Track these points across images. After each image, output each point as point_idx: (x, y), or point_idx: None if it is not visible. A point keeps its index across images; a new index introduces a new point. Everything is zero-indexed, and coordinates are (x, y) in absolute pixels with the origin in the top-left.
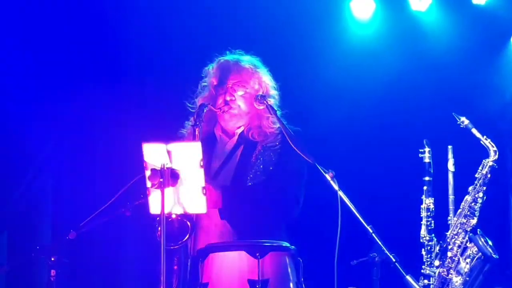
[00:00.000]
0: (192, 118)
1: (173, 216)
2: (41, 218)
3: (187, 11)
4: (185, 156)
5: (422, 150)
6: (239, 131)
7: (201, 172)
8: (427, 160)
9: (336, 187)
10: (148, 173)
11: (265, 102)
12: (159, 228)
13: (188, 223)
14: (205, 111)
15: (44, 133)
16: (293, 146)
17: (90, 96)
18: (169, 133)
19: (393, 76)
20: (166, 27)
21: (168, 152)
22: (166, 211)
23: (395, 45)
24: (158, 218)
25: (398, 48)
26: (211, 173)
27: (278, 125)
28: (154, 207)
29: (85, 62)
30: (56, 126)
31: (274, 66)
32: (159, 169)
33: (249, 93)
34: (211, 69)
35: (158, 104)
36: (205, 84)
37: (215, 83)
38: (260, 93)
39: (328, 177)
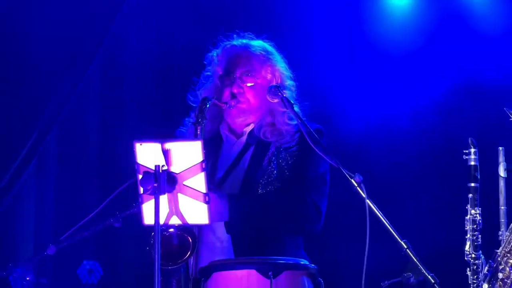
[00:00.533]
0: (193, 114)
1: (171, 230)
2: (22, 228)
3: None
4: (183, 157)
5: (466, 151)
6: (248, 129)
7: (202, 176)
8: (472, 163)
9: (363, 194)
10: (140, 177)
11: (280, 94)
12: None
13: (189, 238)
14: (208, 105)
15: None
16: (313, 146)
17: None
18: (165, 131)
19: (434, 67)
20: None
21: (164, 153)
22: (162, 222)
23: (437, 33)
24: (152, 234)
25: (439, 36)
26: (216, 179)
27: (295, 121)
28: (148, 217)
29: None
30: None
31: (294, 53)
32: (153, 172)
33: (260, 84)
34: (215, 56)
35: (152, 98)
36: (208, 73)
37: (220, 73)
38: (274, 84)
39: (354, 182)
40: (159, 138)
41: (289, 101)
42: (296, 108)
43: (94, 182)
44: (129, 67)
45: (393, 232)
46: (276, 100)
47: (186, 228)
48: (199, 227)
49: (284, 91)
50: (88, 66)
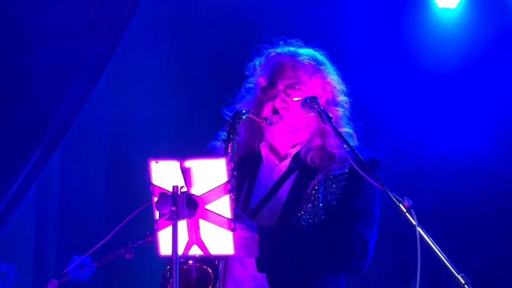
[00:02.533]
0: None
1: (190, 262)
2: (24, 257)
3: None
4: (206, 177)
5: None
6: (293, 151)
7: (227, 199)
8: None
9: (414, 221)
10: (156, 199)
11: (316, 106)
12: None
13: (210, 271)
14: (242, 120)
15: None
16: (361, 172)
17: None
18: (188, 150)
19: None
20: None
21: (184, 172)
22: (181, 252)
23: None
24: (168, 266)
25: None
26: (251, 208)
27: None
28: (164, 247)
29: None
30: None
31: (344, 62)
32: (171, 194)
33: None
34: (258, 65)
35: (187, 111)
36: (250, 85)
37: (263, 84)
38: (324, 99)
39: (403, 208)
40: (177, 155)
41: (328, 116)
42: (348, 129)
43: (101, 204)
44: (144, 76)
45: (449, 265)
46: (312, 114)
47: (207, 260)
48: (226, 260)
49: (336, 108)
50: (99, 77)
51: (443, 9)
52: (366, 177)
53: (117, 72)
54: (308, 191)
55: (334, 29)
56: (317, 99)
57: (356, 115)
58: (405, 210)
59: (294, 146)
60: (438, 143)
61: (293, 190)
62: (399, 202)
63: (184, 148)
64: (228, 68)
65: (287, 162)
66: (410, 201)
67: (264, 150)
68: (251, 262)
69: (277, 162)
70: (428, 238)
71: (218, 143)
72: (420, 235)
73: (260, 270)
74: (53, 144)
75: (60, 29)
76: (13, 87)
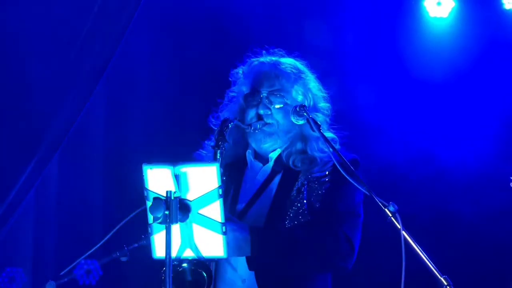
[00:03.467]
0: (213, 137)
1: (184, 265)
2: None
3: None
4: (198, 183)
5: None
6: (274, 155)
7: (218, 204)
8: None
9: (399, 225)
10: (150, 204)
11: (305, 114)
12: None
13: (204, 274)
14: (230, 127)
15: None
16: (346, 175)
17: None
18: (183, 155)
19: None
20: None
21: (177, 178)
22: (174, 255)
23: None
24: (163, 269)
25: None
26: (238, 209)
27: (330, 149)
28: (159, 250)
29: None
30: None
31: (337, 70)
32: (164, 198)
33: (290, 106)
34: (241, 73)
35: (170, 120)
36: (233, 94)
37: (246, 92)
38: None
39: (388, 212)
40: (170, 161)
41: (316, 123)
42: (329, 134)
43: (99, 209)
44: (139, 85)
45: (432, 267)
46: (301, 122)
47: (201, 263)
48: (217, 262)
49: (317, 114)
50: (96, 83)
51: (435, 18)
52: (352, 182)
53: (113, 78)
54: (292, 193)
55: (327, 38)
56: (306, 107)
57: (348, 122)
58: (390, 215)
59: (274, 150)
60: (429, 150)
61: (278, 192)
62: (385, 206)
63: (178, 153)
64: (222, 75)
65: (270, 165)
66: (396, 206)
67: (249, 156)
68: (240, 264)
69: (261, 166)
70: (413, 241)
71: (204, 152)
72: (405, 238)
73: (251, 268)
74: (51, 149)
75: (59, 36)
76: (13, 94)
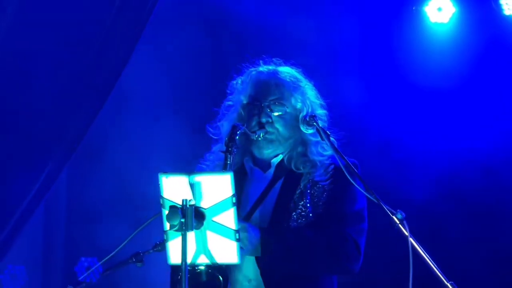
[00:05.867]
0: (219, 145)
1: (202, 267)
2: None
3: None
4: (212, 191)
5: None
6: (276, 161)
7: (232, 212)
8: None
9: (406, 232)
10: (166, 211)
11: (315, 124)
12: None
13: (220, 278)
14: (239, 133)
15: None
16: (352, 181)
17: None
18: (185, 166)
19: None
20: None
21: (192, 186)
22: (189, 261)
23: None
24: (179, 276)
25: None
26: (242, 215)
27: (329, 153)
28: (174, 256)
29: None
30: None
31: (337, 76)
32: (180, 206)
33: (290, 114)
34: (240, 83)
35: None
36: (230, 103)
37: (245, 101)
38: (305, 113)
39: (396, 220)
40: (185, 170)
41: (325, 132)
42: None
43: (107, 210)
44: (144, 98)
45: (439, 273)
46: (311, 130)
47: (217, 266)
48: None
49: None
50: (106, 98)
51: (436, 23)
52: (360, 189)
53: (122, 86)
54: (295, 196)
55: (327, 43)
56: (316, 118)
57: (349, 129)
58: (398, 222)
59: (276, 156)
60: (429, 154)
61: (280, 196)
62: (393, 214)
63: (185, 159)
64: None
65: (271, 171)
66: (403, 214)
67: (248, 164)
68: (246, 264)
69: (262, 173)
70: (420, 248)
71: (206, 163)
72: (412, 245)
73: (260, 267)
74: (63, 160)
75: (72, 45)
76: (24, 103)
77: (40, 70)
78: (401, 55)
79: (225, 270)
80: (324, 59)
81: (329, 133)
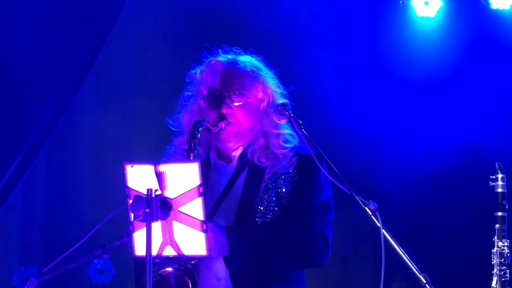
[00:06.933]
0: (179, 140)
1: (169, 269)
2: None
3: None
4: (179, 181)
5: (493, 177)
6: (237, 153)
7: (200, 202)
8: (500, 190)
9: (379, 223)
10: (131, 202)
11: (287, 113)
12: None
13: (189, 282)
14: (200, 129)
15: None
16: (323, 171)
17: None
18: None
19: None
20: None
21: (158, 176)
22: (155, 253)
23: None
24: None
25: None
26: (207, 210)
27: (290, 144)
28: (139, 248)
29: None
30: None
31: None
32: (145, 196)
33: (251, 104)
34: (199, 73)
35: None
36: (189, 93)
37: (205, 92)
38: (265, 102)
39: (368, 210)
40: (151, 159)
41: (298, 122)
42: (289, 130)
43: (85, 207)
44: (128, 81)
45: (411, 265)
46: (283, 120)
47: (186, 270)
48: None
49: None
50: (83, 79)
51: (422, 17)
52: (333, 181)
53: (99, 74)
54: (260, 190)
55: (312, 37)
56: (287, 106)
57: (334, 125)
58: (370, 213)
59: (236, 149)
60: (414, 150)
61: (245, 189)
62: (365, 205)
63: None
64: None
65: (234, 164)
66: (376, 204)
67: (213, 158)
68: (215, 263)
69: (225, 165)
70: (392, 239)
71: (167, 158)
72: (385, 236)
73: (228, 266)
74: (37, 146)
75: (45, 29)
76: None
77: (14, 51)
78: (388, 50)
79: (193, 273)
80: (306, 53)
81: (301, 122)
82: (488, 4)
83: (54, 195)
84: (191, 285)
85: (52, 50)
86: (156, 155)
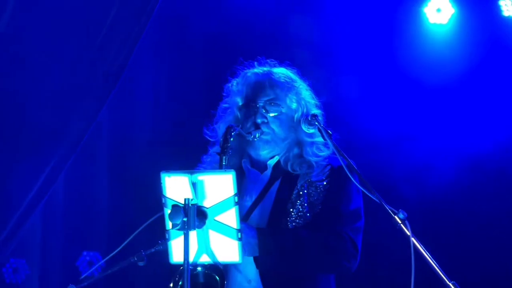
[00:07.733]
0: (216, 146)
1: (199, 268)
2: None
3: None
4: (214, 191)
5: None
6: (272, 162)
7: (234, 211)
8: None
9: (408, 232)
10: (168, 211)
11: (317, 124)
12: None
13: (217, 278)
14: (234, 134)
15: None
16: (354, 181)
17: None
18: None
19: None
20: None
21: (194, 185)
22: (191, 260)
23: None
24: (180, 268)
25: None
26: (241, 215)
27: (324, 153)
28: (176, 255)
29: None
30: None
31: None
32: (182, 206)
33: (285, 114)
34: (235, 85)
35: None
36: (226, 105)
37: (240, 103)
38: (299, 113)
39: (398, 219)
40: (187, 169)
41: (327, 132)
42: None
43: (104, 206)
44: (143, 102)
45: (441, 273)
46: (312, 130)
47: (213, 266)
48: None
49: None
50: (110, 92)
51: (434, 24)
52: (363, 190)
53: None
54: (292, 197)
55: (326, 45)
56: (317, 117)
57: (347, 129)
58: (400, 222)
59: (272, 157)
60: (427, 156)
61: (278, 197)
62: (395, 214)
63: (183, 160)
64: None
65: (268, 172)
66: (405, 213)
67: (246, 165)
68: (246, 265)
69: (259, 174)
70: (422, 248)
71: (203, 167)
72: (414, 245)
73: (258, 267)
74: (65, 157)
75: (73, 43)
76: (24, 102)
77: (41, 64)
78: (400, 56)
79: (222, 271)
80: (323, 60)
81: (330, 132)
82: (500, 11)
83: (73, 202)
84: (219, 281)
85: (80, 61)
86: (192, 164)
